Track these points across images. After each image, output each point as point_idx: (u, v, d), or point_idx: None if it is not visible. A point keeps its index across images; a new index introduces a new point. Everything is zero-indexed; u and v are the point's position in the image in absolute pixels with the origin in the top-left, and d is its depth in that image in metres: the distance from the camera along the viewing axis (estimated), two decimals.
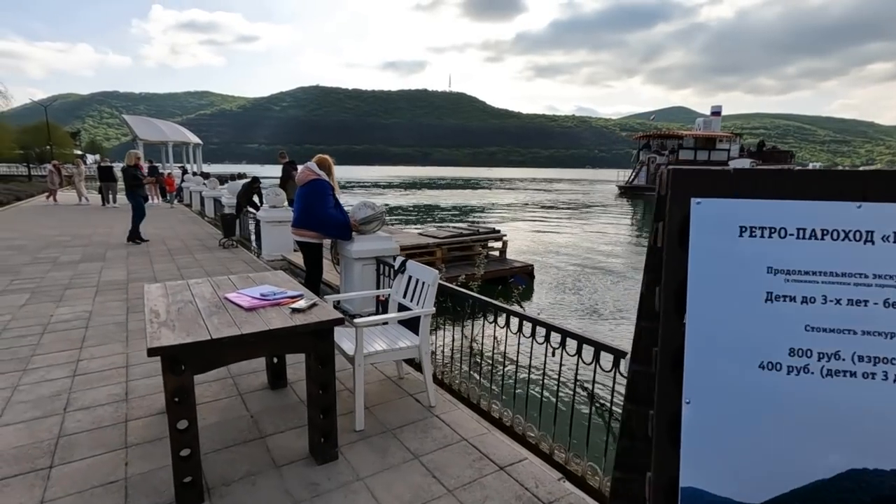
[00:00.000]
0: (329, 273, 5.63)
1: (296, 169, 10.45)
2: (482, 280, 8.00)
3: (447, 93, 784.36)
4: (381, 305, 4.59)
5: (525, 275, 10.00)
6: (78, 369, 3.55)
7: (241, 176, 24.92)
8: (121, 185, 12.04)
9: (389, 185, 63.79)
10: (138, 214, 9.43)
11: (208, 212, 14.87)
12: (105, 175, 17.89)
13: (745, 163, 47.91)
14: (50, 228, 11.70)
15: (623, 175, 50.69)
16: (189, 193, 18.90)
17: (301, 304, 2.47)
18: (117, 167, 17.57)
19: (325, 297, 3.04)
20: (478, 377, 4.06)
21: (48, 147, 40.11)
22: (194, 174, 25.43)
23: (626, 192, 47.66)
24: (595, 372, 2.45)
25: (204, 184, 16.54)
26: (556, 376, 2.77)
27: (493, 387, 3.51)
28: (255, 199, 10.39)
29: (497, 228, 10.83)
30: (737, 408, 1.14)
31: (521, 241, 16.50)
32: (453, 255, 9.35)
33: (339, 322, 2.34)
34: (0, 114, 32.01)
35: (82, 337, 4.23)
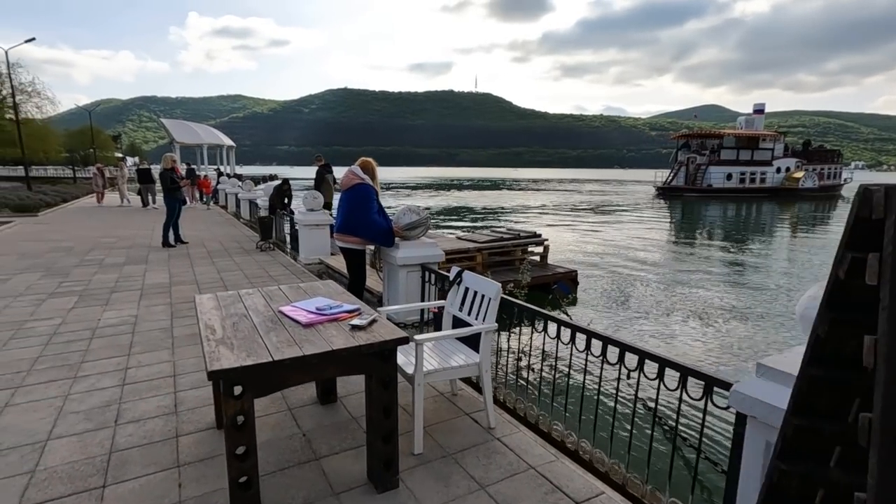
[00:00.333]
0: (370, 278, 5.50)
1: (330, 172, 10.48)
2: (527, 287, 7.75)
3: (473, 93, 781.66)
4: (433, 316, 4.42)
5: (569, 281, 9.63)
6: (127, 378, 3.51)
7: (272, 177, 25.29)
8: (159, 187, 12.29)
9: (417, 186, 63.84)
10: (169, 218, 9.41)
11: (244, 214, 15.07)
12: (144, 177, 18.36)
13: (791, 163, 45.94)
14: (94, 230, 12.04)
15: (661, 175, 49.14)
16: (224, 195, 19.25)
17: (361, 320, 2.32)
18: (155, 169, 18.06)
19: (379, 309, 2.89)
20: (535, 394, 3.83)
21: (92, 150, 41.81)
22: (228, 176, 25.97)
23: (664, 192, 46.23)
24: (680, 401, 2.22)
25: (239, 186, 16.80)
26: (631, 398, 2.54)
27: (553, 404, 3.29)
28: (285, 200, 10.49)
29: (538, 232, 10.51)
30: None
31: (559, 244, 16.04)
32: (494, 259, 9.12)
33: (404, 341, 2.18)
34: (48, 119, 33.47)
35: (129, 343, 4.21)
